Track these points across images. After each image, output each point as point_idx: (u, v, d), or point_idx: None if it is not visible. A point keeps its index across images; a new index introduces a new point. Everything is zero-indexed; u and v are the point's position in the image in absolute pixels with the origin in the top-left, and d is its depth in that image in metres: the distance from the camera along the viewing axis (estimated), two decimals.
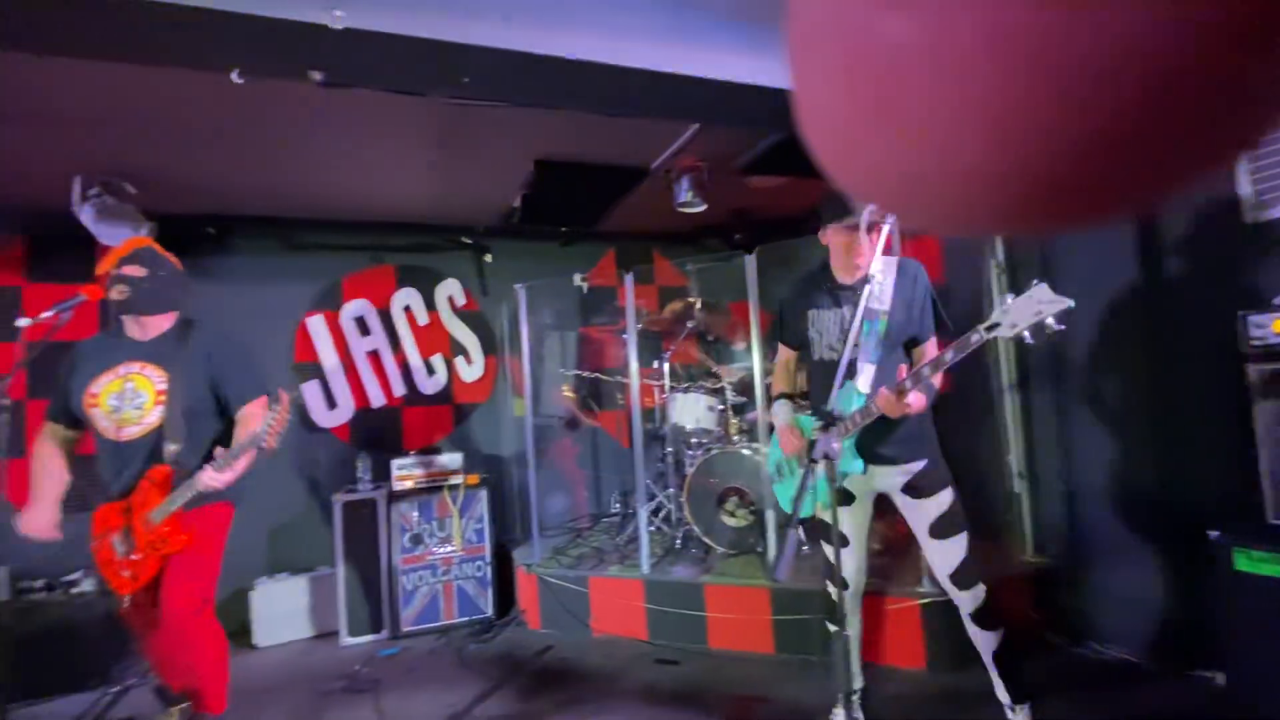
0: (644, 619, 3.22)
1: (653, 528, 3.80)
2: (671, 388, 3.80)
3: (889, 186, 0.43)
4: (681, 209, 3.66)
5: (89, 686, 3.09)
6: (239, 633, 3.50)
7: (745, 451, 3.39)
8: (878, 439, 1.95)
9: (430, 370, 4.40)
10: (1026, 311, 1.56)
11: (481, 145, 3.20)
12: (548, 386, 4.44)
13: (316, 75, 1.88)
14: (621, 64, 1.98)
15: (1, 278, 3.59)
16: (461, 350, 4.49)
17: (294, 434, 4.02)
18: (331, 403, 4.15)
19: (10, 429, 1.99)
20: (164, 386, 2.17)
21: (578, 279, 4.76)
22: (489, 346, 4.56)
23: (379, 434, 4.22)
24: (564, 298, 4.67)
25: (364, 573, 3.58)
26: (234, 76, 1.83)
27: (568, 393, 4.58)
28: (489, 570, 3.74)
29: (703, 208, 3.70)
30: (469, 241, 4.54)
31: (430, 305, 4.43)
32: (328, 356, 4.15)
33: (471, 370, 4.50)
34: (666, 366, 3.84)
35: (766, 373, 3.20)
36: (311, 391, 4.10)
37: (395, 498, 3.64)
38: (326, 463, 4.10)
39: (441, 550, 3.68)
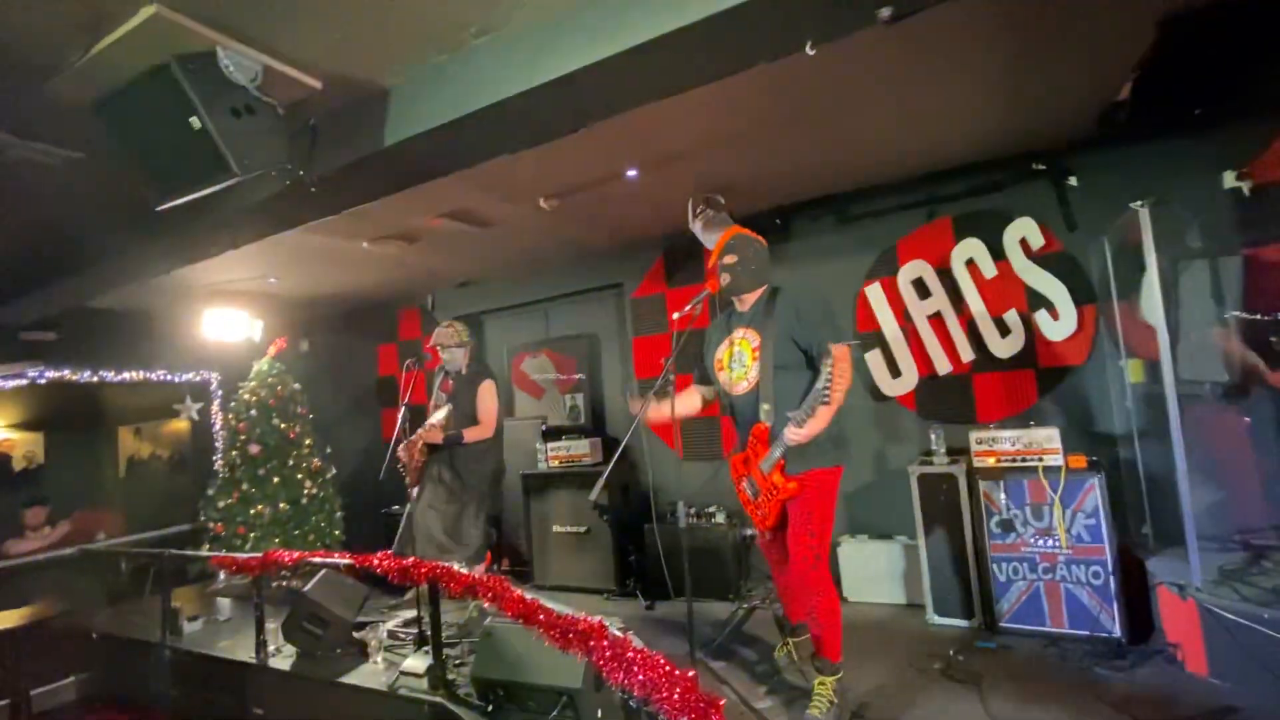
0: None
1: None
2: None
3: None
4: None
5: (726, 597, 3.92)
6: None
7: None
8: None
9: (1003, 330, 3.77)
10: None
11: (1065, 30, 2.45)
12: (1189, 339, 3.16)
13: (884, 12, 1.70)
14: None
15: (652, 288, 4.95)
16: (1043, 303, 3.68)
17: (862, 401, 4.12)
18: (895, 371, 4.06)
19: (671, 396, 2.61)
20: (758, 344, 2.50)
21: (1230, 179, 3.26)
22: (1082, 294, 3.59)
23: (948, 403, 3.89)
24: (1204, 211, 3.26)
25: (949, 551, 3.34)
26: (808, 49, 1.83)
27: (1231, 347, 3.16)
28: (1111, 580, 2.93)
29: None
30: (1042, 167, 3.67)
31: (998, 254, 3.79)
32: (888, 324, 4.08)
33: (1059, 326, 3.64)
34: None
35: None
36: (875, 361, 4.11)
37: (976, 475, 3.26)
38: (896, 432, 4.05)
39: (1040, 544, 3.08)
